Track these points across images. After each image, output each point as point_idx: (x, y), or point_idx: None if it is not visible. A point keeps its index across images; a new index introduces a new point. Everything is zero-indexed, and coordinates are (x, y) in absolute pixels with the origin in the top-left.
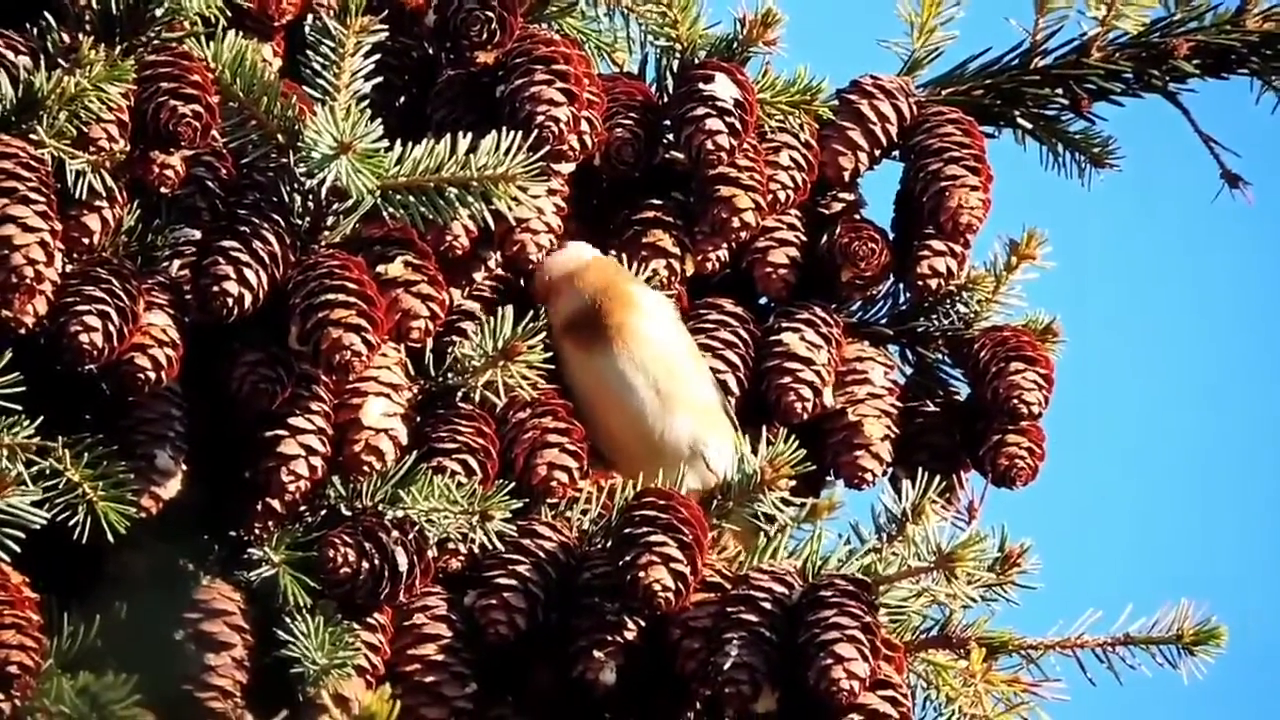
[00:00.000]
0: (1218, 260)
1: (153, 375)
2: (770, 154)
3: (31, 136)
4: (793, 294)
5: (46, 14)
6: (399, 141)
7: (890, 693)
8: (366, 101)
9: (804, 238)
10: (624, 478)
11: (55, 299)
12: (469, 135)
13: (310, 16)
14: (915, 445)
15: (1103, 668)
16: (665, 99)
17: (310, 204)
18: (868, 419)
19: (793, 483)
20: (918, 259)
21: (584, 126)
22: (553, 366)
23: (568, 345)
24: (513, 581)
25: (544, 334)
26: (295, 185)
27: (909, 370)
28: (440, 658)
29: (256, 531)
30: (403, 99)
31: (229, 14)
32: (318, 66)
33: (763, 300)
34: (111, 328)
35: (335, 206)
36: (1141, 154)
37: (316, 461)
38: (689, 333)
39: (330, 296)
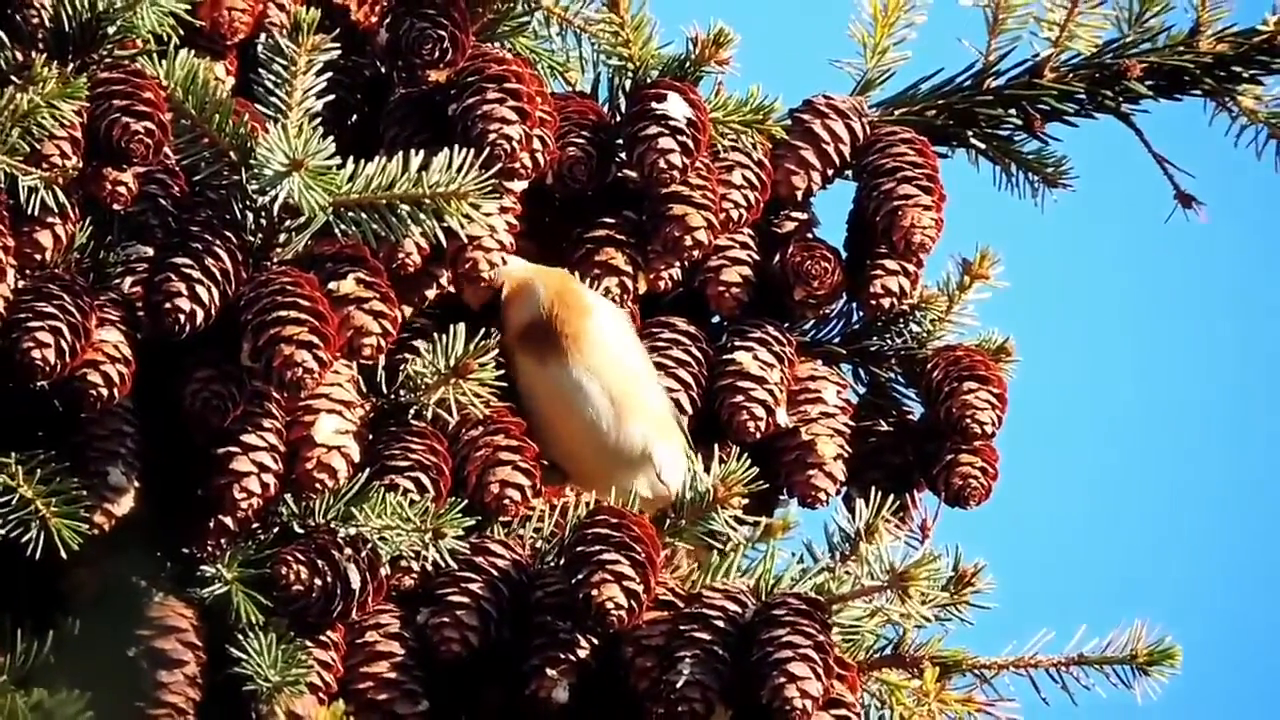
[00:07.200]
0: (1171, 279)
1: (105, 392)
2: (723, 173)
3: None
4: (745, 313)
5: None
6: (351, 159)
7: (843, 712)
8: (318, 119)
9: (756, 257)
10: (578, 487)
11: (7, 315)
12: (421, 153)
13: (262, 35)
14: (868, 464)
15: (1056, 688)
16: (618, 118)
17: (262, 221)
18: (821, 438)
19: (745, 501)
20: (870, 278)
21: (536, 145)
22: (505, 385)
23: (521, 357)
24: (465, 599)
25: (496, 351)
26: (247, 202)
27: (862, 389)
28: (393, 675)
29: (209, 548)
30: (355, 117)
31: (181, 32)
32: (270, 84)
33: (715, 319)
34: (64, 344)
35: (287, 223)
36: (1095, 174)
37: (269, 478)
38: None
39: (282, 313)
